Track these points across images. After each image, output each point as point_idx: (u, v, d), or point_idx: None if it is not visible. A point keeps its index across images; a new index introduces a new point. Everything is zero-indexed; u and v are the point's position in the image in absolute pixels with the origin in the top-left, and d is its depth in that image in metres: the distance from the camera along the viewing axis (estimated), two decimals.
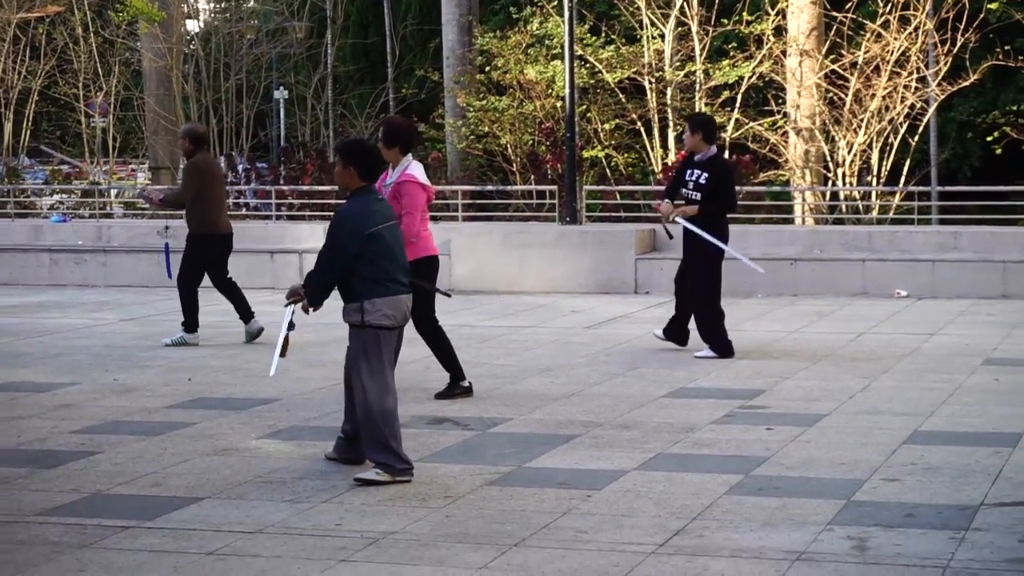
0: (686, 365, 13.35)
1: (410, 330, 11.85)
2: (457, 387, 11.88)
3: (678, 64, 24.99)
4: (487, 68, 26.40)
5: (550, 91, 25.26)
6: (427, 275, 11.58)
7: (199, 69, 29.02)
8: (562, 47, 21.70)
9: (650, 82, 24.82)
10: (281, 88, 35.04)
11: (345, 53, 35.50)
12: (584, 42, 25.45)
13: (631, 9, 25.25)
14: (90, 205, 24.42)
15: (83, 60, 28.26)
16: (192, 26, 37.36)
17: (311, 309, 9.13)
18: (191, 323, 15.04)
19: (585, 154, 25.11)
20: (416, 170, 11.52)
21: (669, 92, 24.95)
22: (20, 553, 7.33)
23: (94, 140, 28.08)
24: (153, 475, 9.05)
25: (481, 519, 7.93)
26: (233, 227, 15.48)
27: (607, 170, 25.08)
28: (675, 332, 14.25)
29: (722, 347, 13.75)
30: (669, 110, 24.68)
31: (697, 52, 24.78)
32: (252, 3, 39.26)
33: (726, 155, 24.48)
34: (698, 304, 13.89)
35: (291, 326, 9.37)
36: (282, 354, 9.50)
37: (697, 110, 24.83)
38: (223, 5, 42.02)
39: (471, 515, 8.02)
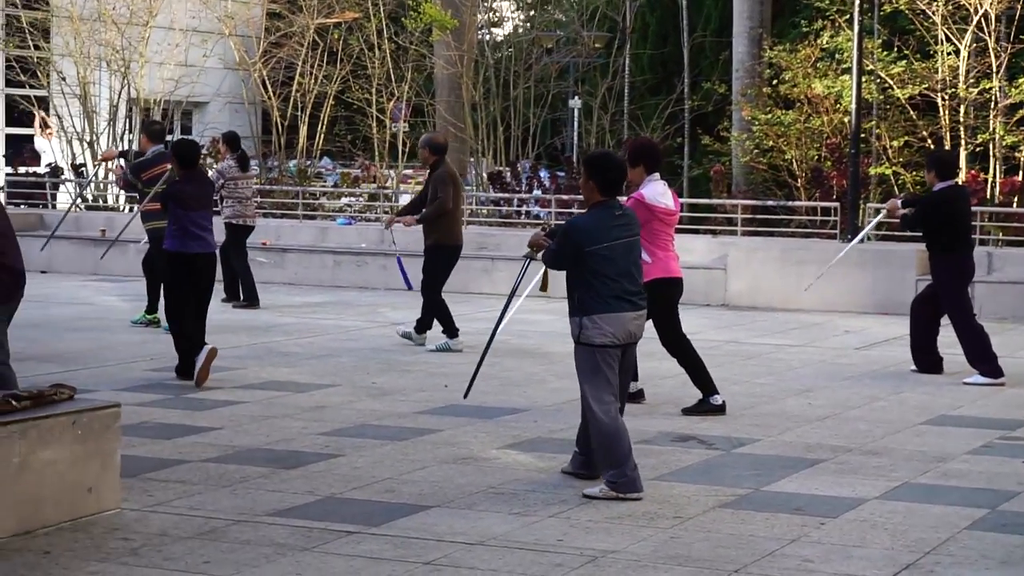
0: (952, 391, 12.92)
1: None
2: (707, 404, 11.71)
3: (973, 81, 24.26)
4: (775, 81, 26.04)
5: (837, 106, 24.79)
6: (655, 299, 11.45)
7: (488, 77, 29.28)
8: (852, 61, 21.24)
9: (943, 99, 24.16)
10: (576, 97, 35.15)
11: (643, 63, 35.43)
12: (875, 57, 24.91)
13: (926, 24, 24.62)
14: (376, 209, 24.81)
15: (377, 66, 28.76)
16: (499, 32, 37.88)
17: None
18: (450, 330, 15.14)
19: (872, 171, 24.58)
20: (648, 188, 11.45)
21: (962, 110, 24.24)
22: (243, 552, 7.42)
23: (384, 145, 28.52)
24: (389, 480, 9.10)
25: (707, 542, 7.75)
26: (509, 235, 15.62)
27: (895, 188, 24.48)
28: (927, 362, 13.92)
29: (992, 368, 13.33)
30: (962, 128, 23.98)
31: (994, 69, 24.02)
32: (557, 13, 39.56)
33: (1017, 176, 23.72)
34: (957, 326, 13.61)
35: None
36: (542, 287, 10.02)
37: (991, 129, 24.08)
38: (531, 14, 42.47)
39: (697, 538, 7.85)
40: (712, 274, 20.59)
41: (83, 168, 29.25)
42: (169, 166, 14.89)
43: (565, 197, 23.93)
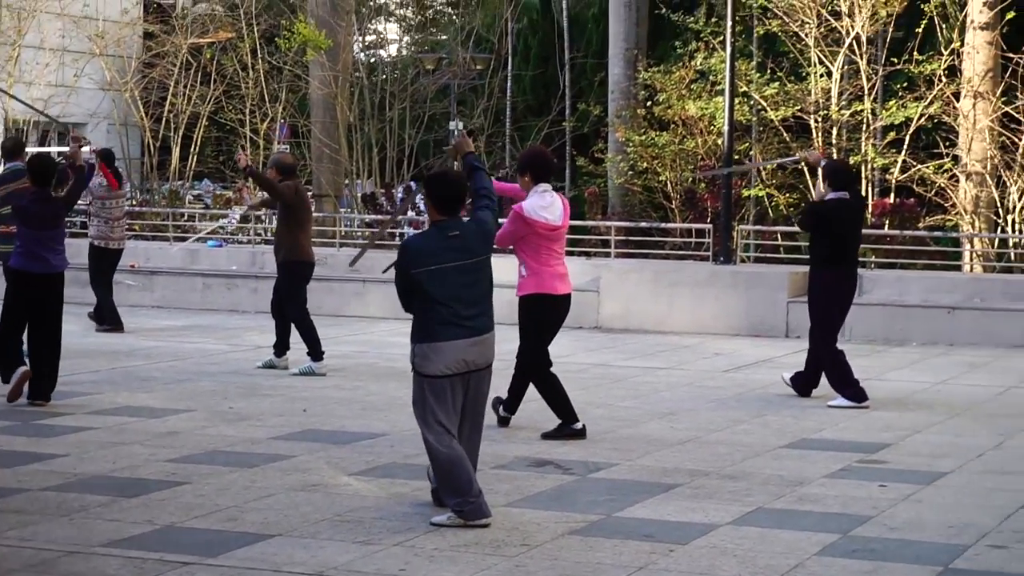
0: (816, 414, 12.85)
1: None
2: (567, 429, 11.53)
3: (845, 103, 24.38)
4: (649, 103, 26.03)
5: (712, 128, 24.81)
6: (523, 315, 11.30)
7: (363, 98, 29.06)
8: (725, 82, 21.25)
9: (816, 121, 24.25)
10: (456, 119, 35.04)
11: (524, 84, 35.38)
12: (748, 78, 24.96)
13: (799, 46, 24.72)
14: (247, 231, 24.50)
15: (251, 86, 28.46)
16: (381, 52, 37.67)
17: None
18: (315, 352, 14.88)
19: (745, 193, 24.62)
20: (530, 201, 11.29)
21: (835, 131, 24.35)
22: None
23: (258, 166, 28.20)
24: (233, 509, 8.85)
25: (551, 571, 7.58)
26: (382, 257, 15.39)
27: (768, 209, 24.53)
28: (800, 382, 13.81)
29: (855, 392, 13.24)
30: (835, 150, 24.07)
31: (865, 91, 24.15)
32: (439, 35, 39.45)
33: (888, 198, 23.86)
34: (819, 347, 13.46)
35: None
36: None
37: (863, 151, 24.20)
38: (414, 36, 42.29)
39: (543, 566, 7.67)
40: (585, 296, 20.43)
41: None
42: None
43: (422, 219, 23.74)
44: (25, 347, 12.86)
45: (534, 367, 11.64)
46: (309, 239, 15.13)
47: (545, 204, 11.30)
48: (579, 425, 11.58)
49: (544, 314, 11.53)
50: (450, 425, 8.63)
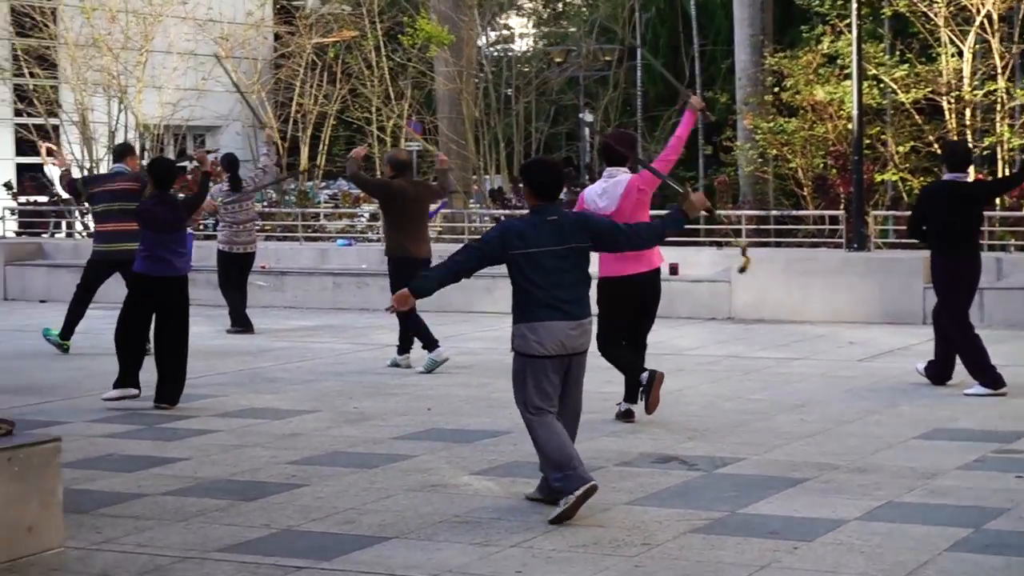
0: (951, 403, 12.50)
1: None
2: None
3: (978, 83, 23.83)
4: (776, 89, 25.62)
5: (841, 112, 24.35)
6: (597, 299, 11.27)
7: (488, 92, 28.97)
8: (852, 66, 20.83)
9: (948, 102, 23.73)
10: (586, 111, 34.84)
11: (655, 74, 35.08)
12: (877, 61, 24.48)
13: (928, 26, 24.21)
14: (376, 229, 24.46)
15: (375, 84, 28.46)
16: (511, 47, 37.59)
17: None
18: (429, 342, 14.83)
19: (878, 178, 24.14)
20: (591, 187, 11.47)
21: (968, 112, 23.80)
22: None
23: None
24: (351, 511, 8.74)
25: (671, 570, 7.38)
26: None
27: (903, 194, 24.04)
28: (934, 371, 13.47)
29: (992, 378, 12.87)
30: (968, 131, 23.54)
31: (999, 70, 23.59)
32: (569, 27, 39.28)
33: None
34: (953, 334, 13.11)
35: None
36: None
37: (998, 131, 23.64)
38: (544, 30, 42.20)
39: (662, 565, 7.47)
40: (717, 287, 20.21)
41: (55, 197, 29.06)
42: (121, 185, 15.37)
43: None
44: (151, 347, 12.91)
45: (605, 346, 11.63)
46: (411, 236, 14.83)
47: (599, 191, 11.43)
48: (624, 407, 11.74)
49: (611, 296, 11.54)
50: (549, 404, 8.63)
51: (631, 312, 11.75)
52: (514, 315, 8.67)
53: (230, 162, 18.95)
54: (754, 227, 22.93)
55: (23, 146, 34.12)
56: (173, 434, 11.39)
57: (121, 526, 8.40)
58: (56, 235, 28.29)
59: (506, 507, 8.82)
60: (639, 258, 11.42)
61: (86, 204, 15.67)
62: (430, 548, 7.87)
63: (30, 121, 31.61)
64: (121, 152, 16.69)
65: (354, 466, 10.06)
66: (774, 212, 23.41)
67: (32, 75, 30.10)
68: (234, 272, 18.70)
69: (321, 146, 29.00)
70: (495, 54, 34.26)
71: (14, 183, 28.90)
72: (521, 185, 9.45)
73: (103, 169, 29.01)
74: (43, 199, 30.05)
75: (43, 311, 20.96)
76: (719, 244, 22.47)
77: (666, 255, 20.77)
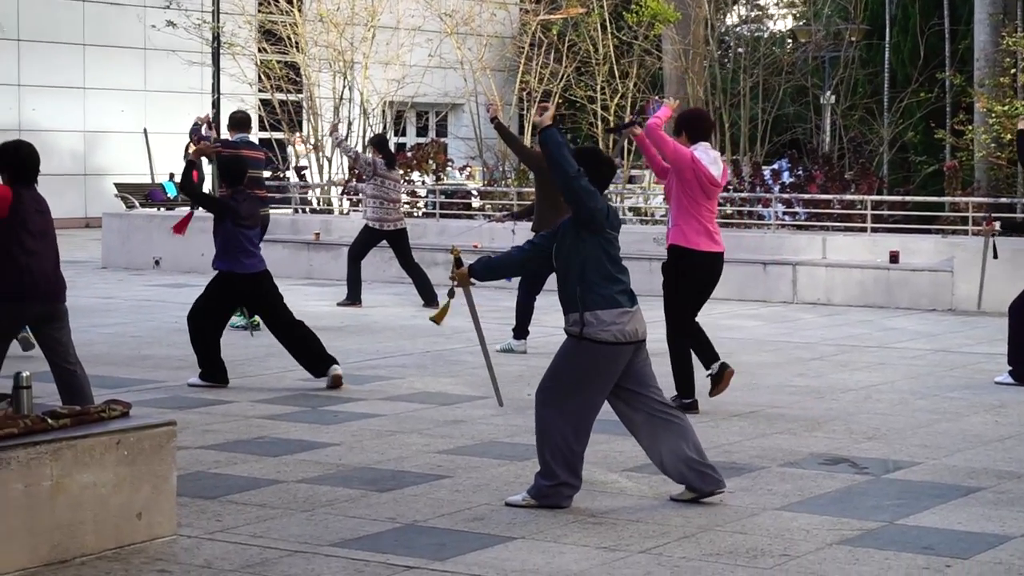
0: None
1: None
2: (677, 403, 11.09)
3: None
4: (1014, 71, 24.46)
5: None
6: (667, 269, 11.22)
7: (714, 71, 28.30)
8: None
9: None
10: (827, 93, 33.87)
11: (904, 55, 33.93)
12: None
13: None
14: None
15: (600, 62, 28.00)
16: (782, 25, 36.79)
17: None
18: (521, 331, 14.88)
19: None
20: (699, 151, 11.10)
21: None
22: None
23: (609, 144, 27.75)
24: (483, 507, 8.33)
25: None
26: (727, 236, 14.72)
27: None
28: None
29: None
30: None
31: None
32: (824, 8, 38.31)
33: None
34: None
35: None
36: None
37: None
38: (799, 10, 41.21)
39: None
40: (938, 276, 19.33)
41: (305, 171, 29.14)
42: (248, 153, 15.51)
43: (787, 196, 22.82)
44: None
45: (676, 327, 11.31)
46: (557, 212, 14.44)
47: (711, 159, 11.14)
48: (689, 400, 11.29)
49: (684, 268, 11.20)
50: (596, 402, 8.35)
51: (699, 291, 11.46)
52: (585, 301, 8.25)
53: (381, 141, 19.24)
54: (983, 215, 21.86)
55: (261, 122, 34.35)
56: (333, 417, 11.12)
57: (243, 514, 8.12)
58: (301, 210, 28.39)
59: (647, 508, 8.33)
60: (714, 236, 11.26)
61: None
62: (552, 551, 7.42)
63: (278, 98, 31.84)
64: (243, 122, 16.92)
65: (505, 458, 9.65)
66: (1002, 199, 22.33)
67: (262, 51, 30.32)
68: (372, 246, 18.88)
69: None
70: (742, 32, 33.44)
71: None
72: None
73: (328, 144, 29.12)
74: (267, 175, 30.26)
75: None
76: (943, 232, 21.50)
77: (886, 242, 20.16)
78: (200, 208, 13.63)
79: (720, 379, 11.41)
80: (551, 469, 8.28)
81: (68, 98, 35.92)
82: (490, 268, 8.78)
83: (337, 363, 12.54)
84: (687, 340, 11.40)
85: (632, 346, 8.29)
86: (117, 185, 34.57)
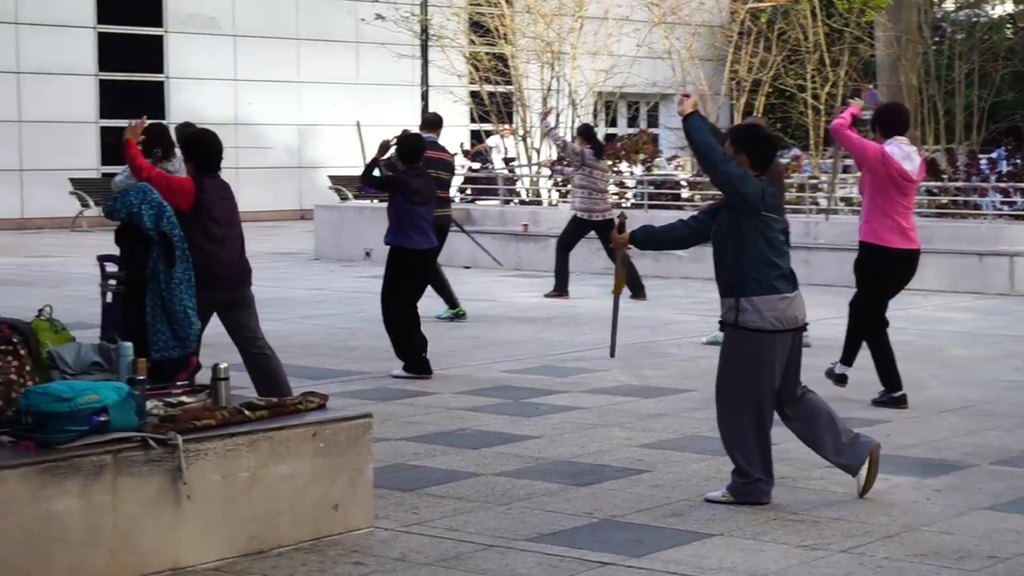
0: None
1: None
2: (887, 396, 11.06)
3: None
4: None
5: None
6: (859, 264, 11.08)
7: (928, 58, 27.68)
8: None
9: None
10: None
11: None
12: None
13: None
14: (804, 200, 23.62)
15: (810, 51, 27.59)
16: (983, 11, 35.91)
17: None
18: None
19: None
20: (892, 146, 10.87)
21: None
22: None
23: (819, 133, 27.35)
24: (683, 503, 8.20)
25: None
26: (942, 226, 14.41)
27: None
28: None
29: None
30: None
31: None
32: None
33: None
34: None
35: None
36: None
37: None
38: None
39: None
40: None
41: (514, 162, 29.18)
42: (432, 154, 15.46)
43: (1003, 185, 22.20)
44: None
45: (870, 324, 11.10)
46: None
47: (905, 154, 10.90)
48: (898, 393, 11.05)
49: (876, 265, 11.03)
50: (768, 391, 8.09)
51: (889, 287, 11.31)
52: (743, 287, 8.12)
53: (588, 131, 19.30)
54: None
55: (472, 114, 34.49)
56: (535, 410, 11.06)
57: (440, 507, 8.09)
58: (509, 202, 28.47)
59: (850, 505, 8.13)
60: (907, 233, 11.05)
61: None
62: (752, 549, 7.26)
63: (467, 88, 31.99)
64: (435, 123, 16.82)
65: (707, 452, 9.49)
66: None
67: (471, 43, 30.45)
68: (580, 237, 18.82)
69: (755, 113, 28.26)
70: (957, 18, 32.69)
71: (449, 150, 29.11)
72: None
73: (537, 136, 29.15)
74: (476, 165, 30.39)
75: (466, 277, 21.07)
76: None
77: None
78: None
79: (840, 382, 11.40)
80: (742, 467, 8.13)
81: (283, 92, 36.47)
82: (650, 237, 8.59)
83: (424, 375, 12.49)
84: (884, 336, 11.18)
85: (791, 332, 8.10)
86: (331, 177, 35.00)
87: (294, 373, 12.48)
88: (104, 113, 33.60)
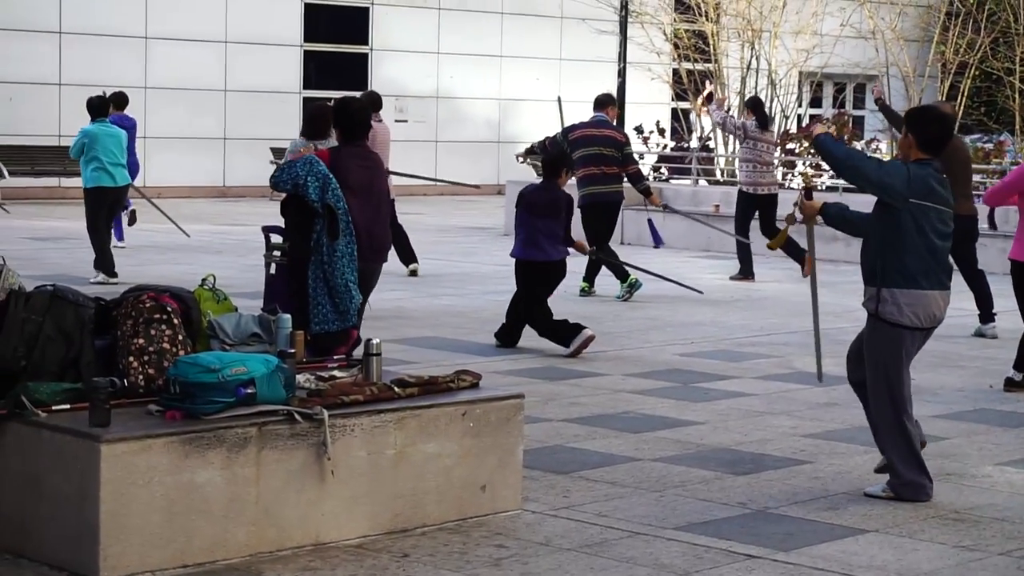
0: None
1: None
2: None
3: None
4: None
5: None
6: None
7: None
8: None
9: None
10: None
11: None
12: None
13: None
14: None
15: (1020, 33, 26.85)
16: None
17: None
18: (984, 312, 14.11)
19: None
20: None
21: None
22: (611, 572, 6.60)
23: None
24: (840, 496, 8.01)
25: None
26: None
27: None
28: None
29: None
30: None
31: None
32: None
33: None
34: None
35: None
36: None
37: None
38: None
39: None
40: None
41: (709, 142, 28.92)
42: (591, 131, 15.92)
43: None
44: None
45: None
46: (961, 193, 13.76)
47: None
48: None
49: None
50: (902, 385, 7.93)
51: None
52: (886, 277, 7.84)
53: (756, 103, 19.33)
54: None
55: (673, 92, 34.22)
56: (703, 395, 10.91)
57: (592, 491, 8.00)
58: (700, 181, 28.26)
59: (1016, 506, 7.87)
60: None
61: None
62: (905, 547, 7.06)
63: (664, 66, 31.73)
64: (604, 102, 16.72)
65: (872, 445, 9.12)
66: None
67: (672, 20, 30.22)
68: (750, 212, 18.57)
69: (960, 96, 27.65)
70: None
71: (644, 128, 28.88)
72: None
73: (737, 115, 28.80)
74: (674, 144, 30.14)
75: (655, 256, 20.93)
76: None
77: None
78: None
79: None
80: (894, 465, 7.90)
81: (485, 66, 36.54)
82: (843, 217, 8.28)
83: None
84: None
85: (929, 331, 7.92)
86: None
87: (467, 349, 12.56)
88: (307, 84, 33.97)
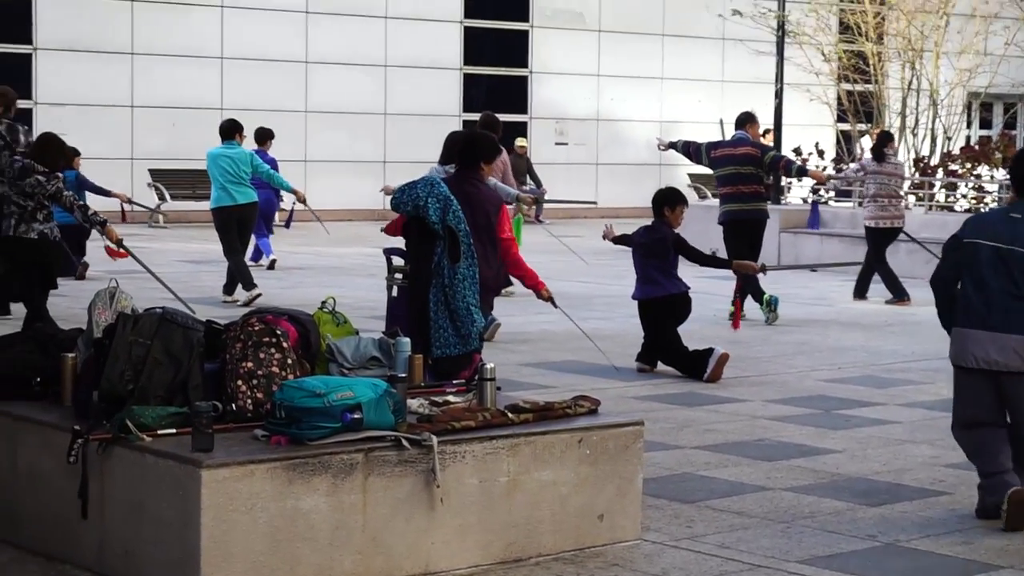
0: None
1: None
2: None
3: None
4: None
5: None
6: None
7: None
8: None
9: None
10: None
11: None
12: None
13: None
14: None
15: None
16: None
17: None
18: None
19: None
20: None
21: None
22: None
23: None
24: (976, 530, 7.69)
25: None
26: None
27: None
28: None
29: None
30: None
31: None
32: None
33: None
34: None
35: None
36: None
37: None
38: None
39: None
40: None
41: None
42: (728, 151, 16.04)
43: None
44: None
45: None
46: None
47: None
48: None
49: None
50: (963, 427, 7.86)
51: None
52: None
53: (881, 138, 19.03)
54: None
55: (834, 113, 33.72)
56: (844, 422, 10.60)
57: (716, 521, 7.77)
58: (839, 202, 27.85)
59: None
60: None
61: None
62: None
63: (824, 87, 31.26)
64: (743, 120, 16.50)
65: None
66: None
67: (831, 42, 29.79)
68: (881, 247, 18.19)
69: None
70: None
71: (803, 150, 28.46)
72: None
73: (897, 136, 28.30)
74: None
75: (809, 280, 20.58)
76: None
77: None
78: None
79: None
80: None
81: (645, 88, 36.35)
82: None
83: None
84: None
85: (997, 375, 7.65)
86: (691, 175, 34.70)
87: (605, 373, 12.36)
88: (467, 107, 34.03)
